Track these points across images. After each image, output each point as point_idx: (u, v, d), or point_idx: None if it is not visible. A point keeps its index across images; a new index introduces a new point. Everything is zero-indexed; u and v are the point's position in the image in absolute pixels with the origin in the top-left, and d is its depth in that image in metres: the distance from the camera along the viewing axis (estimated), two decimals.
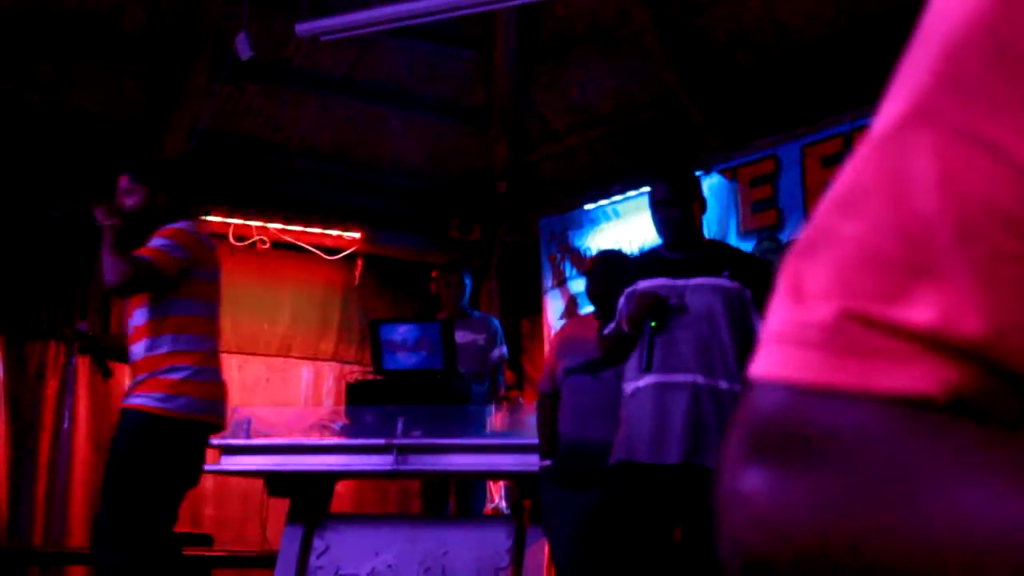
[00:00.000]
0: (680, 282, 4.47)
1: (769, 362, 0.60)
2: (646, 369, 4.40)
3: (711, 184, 8.47)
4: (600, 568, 5.07)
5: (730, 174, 8.34)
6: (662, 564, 4.41)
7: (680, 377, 4.38)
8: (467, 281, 7.40)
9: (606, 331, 4.67)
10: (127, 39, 8.54)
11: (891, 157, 0.59)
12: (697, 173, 8.44)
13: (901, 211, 0.57)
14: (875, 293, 0.57)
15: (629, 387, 4.55)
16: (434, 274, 7.51)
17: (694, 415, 4.34)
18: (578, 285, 9.00)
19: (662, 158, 8.79)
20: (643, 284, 4.54)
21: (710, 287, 4.45)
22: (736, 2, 8.23)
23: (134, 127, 8.86)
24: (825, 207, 0.62)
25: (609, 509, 4.67)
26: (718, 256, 4.59)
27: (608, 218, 9.12)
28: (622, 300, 4.64)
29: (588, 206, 9.32)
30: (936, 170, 0.57)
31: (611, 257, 5.59)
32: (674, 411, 4.36)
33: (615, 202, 8.95)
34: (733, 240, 8.20)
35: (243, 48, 7.46)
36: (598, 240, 9.02)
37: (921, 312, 0.56)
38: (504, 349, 7.24)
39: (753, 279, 4.48)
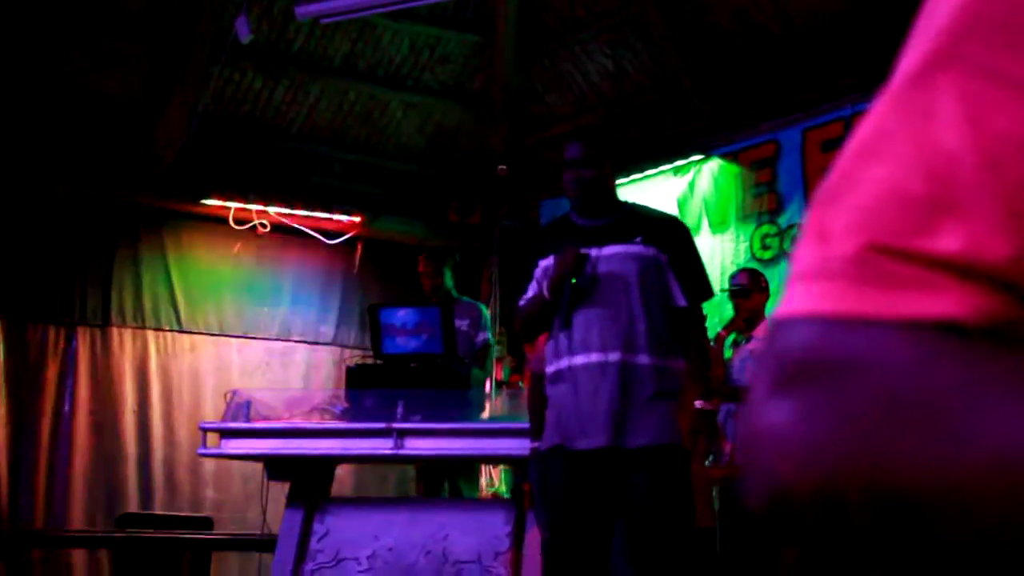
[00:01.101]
0: (592, 251, 4.24)
1: (794, 299, 0.60)
2: (565, 327, 4.25)
3: (712, 169, 8.46)
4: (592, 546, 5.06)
5: (731, 157, 8.33)
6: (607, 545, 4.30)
7: (598, 357, 4.20)
8: (447, 268, 7.40)
9: (522, 301, 4.46)
10: (127, 19, 8.51)
11: (915, 99, 0.59)
12: (698, 156, 8.48)
13: (925, 149, 0.57)
14: (899, 227, 0.57)
15: (551, 368, 4.40)
16: (423, 260, 7.50)
17: (616, 397, 4.17)
18: None
19: (660, 143, 8.78)
20: (551, 260, 4.31)
21: (623, 255, 4.23)
22: None
23: (134, 108, 8.84)
24: (847, 155, 0.62)
25: (545, 493, 4.63)
26: (631, 221, 4.34)
27: None
28: (537, 271, 4.42)
29: None
30: (960, 108, 0.57)
31: (540, 229, 5.40)
32: (597, 394, 4.19)
33: (616, 185, 8.92)
34: (733, 224, 8.20)
35: (243, 31, 7.45)
36: None
37: (946, 241, 0.55)
38: (488, 334, 7.25)
39: (668, 242, 4.29)
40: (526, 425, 5.70)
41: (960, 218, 0.56)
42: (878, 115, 0.61)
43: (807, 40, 7.99)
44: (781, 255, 7.81)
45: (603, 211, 4.37)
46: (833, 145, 7.60)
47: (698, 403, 4.26)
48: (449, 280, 7.41)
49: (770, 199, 8.02)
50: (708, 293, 4.38)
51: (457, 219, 9.96)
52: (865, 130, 0.61)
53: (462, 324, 7.12)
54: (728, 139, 8.36)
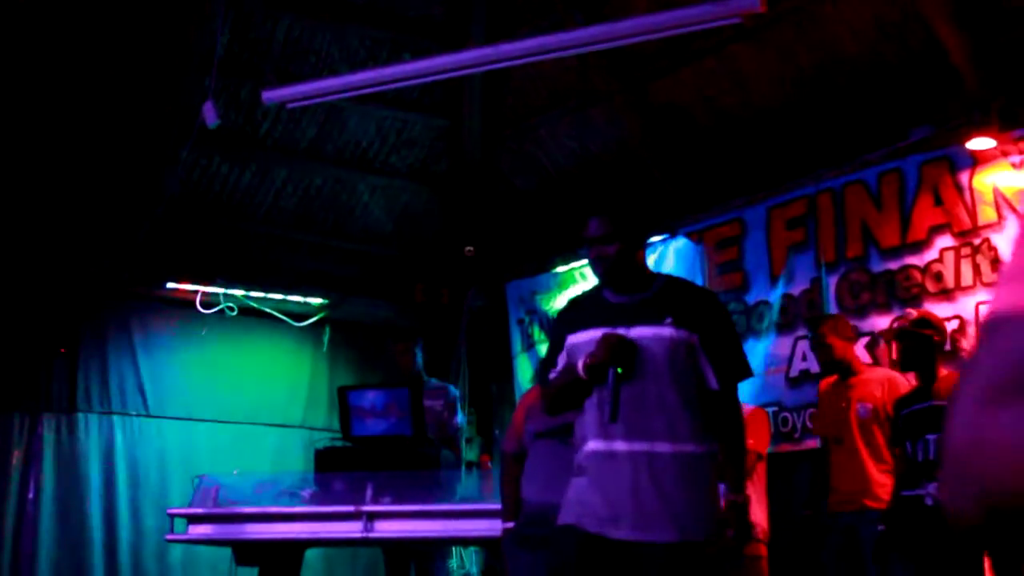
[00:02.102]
0: (620, 331, 3.99)
1: (1005, 298, 0.59)
2: (612, 421, 3.97)
3: (677, 247, 8.51)
4: None
5: (696, 236, 8.39)
6: None
7: (621, 446, 4.00)
8: (418, 349, 7.41)
9: (551, 375, 4.21)
10: (94, 102, 8.55)
11: None
12: (663, 236, 8.53)
13: None
14: None
15: (580, 450, 4.18)
16: (397, 344, 7.50)
17: (637, 489, 3.95)
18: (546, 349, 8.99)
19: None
20: (580, 335, 4.09)
21: (651, 338, 3.98)
22: (699, 66, 8.31)
23: (101, 192, 8.85)
24: None
25: (556, 570, 4.45)
26: (663, 298, 4.10)
27: (575, 281, 9.14)
28: (562, 354, 4.18)
29: (556, 269, 9.36)
30: None
31: (566, 303, 5.13)
32: (619, 484, 3.98)
33: (583, 265, 8.97)
34: None
35: (210, 116, 7.47)
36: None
37: None
38: (461, 417, 7.24)
39: (700, 321, 4.05)
40: (497, 506, 5.67)
41: None
42: None
43: (769, 119, 8.09)
44: (749, 333, 7.84)
45: (634, 286, 4.13)
46: (798, 223, 7.67)
47: (733, 495, 4.00)
48: (419, 362, 7.41)
49: (736, 277, 8.07)
50: (744, 372, 4.14)
51: (424, 300, 9.97)
52: None
53: (435, 405, 7.11)
54: (693, 218, 8.41)
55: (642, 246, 4.22)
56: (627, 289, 4.11)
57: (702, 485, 3.97)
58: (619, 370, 3.94)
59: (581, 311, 4.23)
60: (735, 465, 4.04)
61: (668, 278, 4.32)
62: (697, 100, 8.51)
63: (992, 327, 0.59)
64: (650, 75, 8.59)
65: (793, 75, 7.88)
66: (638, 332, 3.98)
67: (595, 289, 4.30)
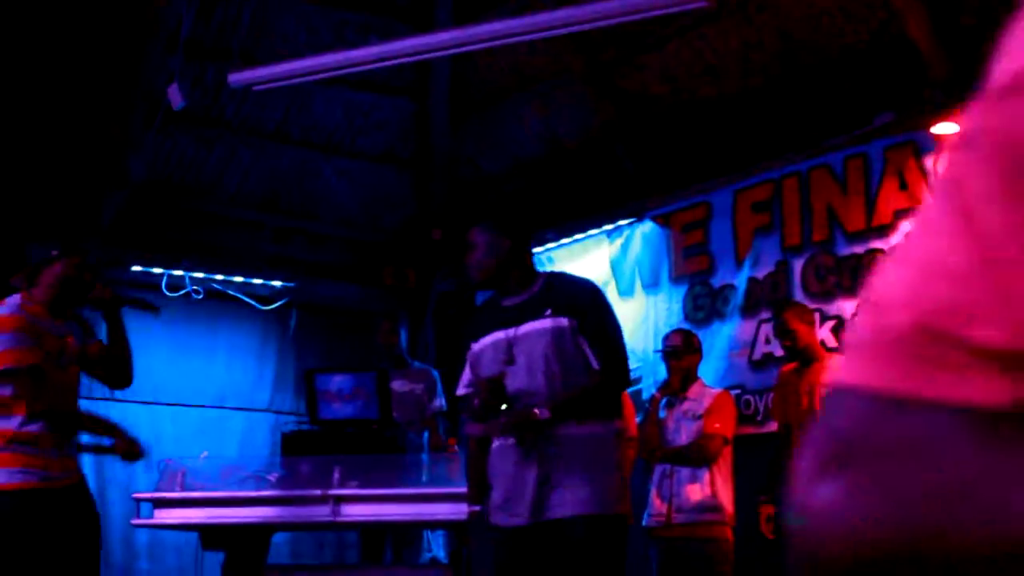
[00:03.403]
0: (511, 332, 4.38)
1: (848, 370, 0.61)
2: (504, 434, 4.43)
3: (644, 231, 8.54)
4: None
5: (662, 220, 8.41)
6: None
7: (508, 441, 4.38)
8: (402, 330, 7.42)
9: (460, 389, 4.63)
10: (61, 84, 8.49)
11: (963, 177, 0.61)
12: (630, 220, 8.55)
13: (970, 227, 0.59)
14: (949, 308, 0.58)
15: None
16: (384, 322, 7.50)
17: (538, 472, 4.28)
18: None
19: (594, 207, 8.85)
20: (481, 342, 4.49)
21: (537, 332, 4.34)
22: (667, 50, 8.33)
23: (66, 174, 8.79)
24: (907, 229, 0.64)
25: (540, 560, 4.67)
26: (544, 295, 4.44)
27: (541, 265, 9.15)
28: (467, 365, 4.59)
29: None
30: (1005, 190, 0.58)
31: (476, 309, 5.52)
32: (521, 472, 4.33)
33: (549, 249, 8.98)
34: (665, 286, 8.26)
35: (175, 98, 7.44)
36: None
37: (992, 331, 0.57)
38: (443, 400, 7.25)
39: (578, 309, 4.37)
40: (463, 489, 5.69)
41: (1005, 306, 0.57)
42: (936, 186, 0.63)
43: (737, 103, 8.12)
44: (714, 316, 7.88)
45: (521, 288, 4.47)
46: (764, 207, 7.70)
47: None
48: (402, 343, 7.42)
49: (702, 260, 8.09)
50: (619, 354, 4.44)
51: (392, 283, 9.96)
52: (924, 203, 0.63)
53: (416, 388, 7.11)
54: (660, 202, 8.43)
55: (521, 249, 4.54)
56: (516, 291, 4.46)
57: (598, 460, 4.25)
58: (503, 407, 4.34)
59: (481, 318, 4.62)
60: (582, 397, 4.31)
61: (551, 275, 4.74)
62: (664, 84, 8.52)
63: (826, 399, 0.62)
64: (617, 59, 8.59)
65: (759, 60, 7.91)
66: (525, 329, 4.34)
67: (493, 296, 4.66)
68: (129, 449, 5.05)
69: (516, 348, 4.37)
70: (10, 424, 4.65)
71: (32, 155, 8.66)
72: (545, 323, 4.34)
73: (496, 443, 4.50)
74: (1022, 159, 0.58)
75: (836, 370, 0.62)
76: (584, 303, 4.42)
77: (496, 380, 4.36)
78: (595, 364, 4.33)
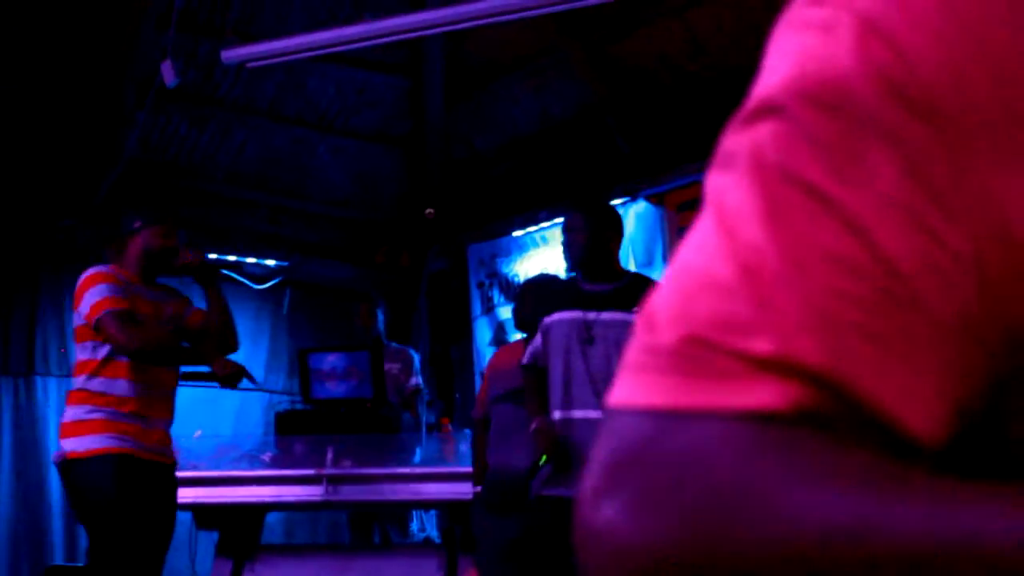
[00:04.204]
0: (592, 315, 4.56)
1: (621, 391, 0.61)
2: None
3: (638, 211, 8.52)
4: None
5: (656, 200, 8.40)
6: None
7: (580, 413, 4.51)
8: (380, 312, 7.43)
9: (524, 360, 4.81)
10: (52, 60, 8.45)
11: (727, 190, 0.63)
12: (623, 199, 8.54)
13: (732, 242, 0.61)
14: (716, 320, 0.59)
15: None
16: (360, 306, 7.53)
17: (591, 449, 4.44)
18: (506, 312, 9.01)
19: (587, 186, 8.84)
20: (556, 316, 4.65)
21: (620, 322, 4.52)
22: (661, 28, 8.30)
23: (59, 152, 8.76)
24: (679, 246, 0.65)
25: (532, 540, 4.77)
26: (633, 289, 4.60)
27: (536, 244, 9.14)
28: (538, 334, 4.75)
29: (516, 232, 9.34)
30: (765, 206, 0.60)
31: (538, 283, 5.63)
32: (578, 447, 4.46)
33: (543, 228, 8.97)
34: (659, 265, 8.26)
35: (168, 75, 7.40)
36: (526, 266, 9.04)
37: (760, 342, 0.58)
38: (419, 379, 7.27)
39: None
40: (456, 469, 5.71)
41: (771, 317, 0.58)
42: (701, 205, 0.65)
43: (731, 81, 8.09)
44: None
45: (607, 278, 4.68)
46: None
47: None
48: (380, 325, 7.42)
49: None
50: None
51: (385, 262, 9.94)
52: (694, 222, 0.65)
53: (393, 368, 7.11)
54: (654, 181, 8.42)
55: (615, 243, 4.77)
56: (601, 280, 4.67)
57: None
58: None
59: (558, 297, 4.81)
60: None
61: (639, 274, 5.04)
62: (658, 62, 8.49)
63: (602, 422, 0.62)
64: (610, 36, 8.56)
65: (754, 37, 7.88)
66: (608, 317, 4.54)
67: (572, 279, 4.86)
68: (228, 373, 4.97)
69: (595, 331, 4.55)
70: (106, 389, 4.64)
71: (23, 133, 8.63)
72: (632, 317, 4.46)
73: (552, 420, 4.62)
74: (772, 178, 0.61)
75: (611, 392, 0.62)
76: None
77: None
78: None
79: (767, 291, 0.59)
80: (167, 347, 4.77)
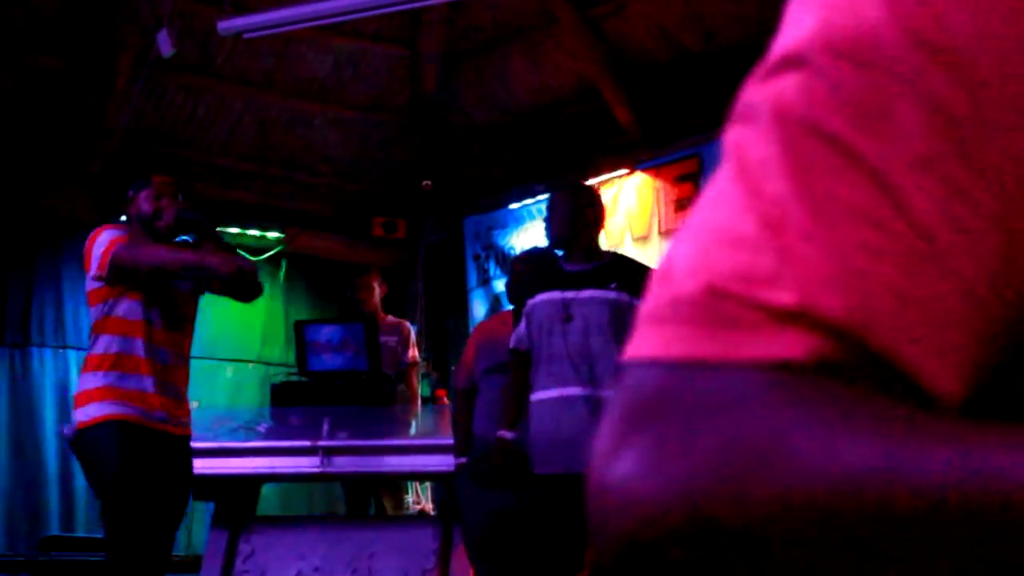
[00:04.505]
0: (570, 295, 4.71)
1: (639, 343, 0.60)
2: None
3: (635, 183, 8.52)
4: (512, 565, 5.14)
5: (653, 172, 8.39)
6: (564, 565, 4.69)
7: (557, 392, 4.66)
8: (376, 284, 7.44)
9: (511, 344, 4.95)
10: (48, 33, 8.42)
11: (742, 145, 0.62)
12: (621, 172, 8.54)
13: (753, 195, 0.59)
14: (737, 272, 0.58)
15: (531, 397, 4.82)
16: (357, 280, 7.54)
17: (573, 427, 4.57)
18: (502, 284, 9.02)
19: (584, 158, 8.83)
20: (537, 298, 4.80)
21: (597, 300, 4.68)
22: (659, 2, 8.27)
23: (56, 122, 8.75)
24: (697, 200, 0.64)
25: (520, 513, 4.93)
26: (610, 268, 4.78)
27: (532, 217, 9.14)
28: (523, 318, 4.89)
29: (512, 205, 9.34)
30: (790, 161, 0.59)
31: (524, 262, 5.65)
32: (558, 424, 4.61)
33: (539, 201, 8.97)
34: (656, 238, 8.27)
35: (164, 45, 7.39)
36: (522, 239, 9.04)
37: (783, 294, 0.57)
38: (416, 352, 7.28)
39: (639, 288, 4.56)
40: (452, 441, 5.72)
41: (794, 269, 0.57)
42: (722, 159, 0.63)
43: (729, 54, 8.08)
44: None
45: (586, 258, 4.81)
46: None
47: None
48: (377, 296, 7.43)
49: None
50: None
51: (382, 234, 9.94)
52: (713, 176, 0.63)
53: (390, 341, 7.13)
54: (651, 154, 8.42)
55: (595, 225, 4.90)
56: (581, 259, 4.82)
57: None
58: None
59: (540, 276, 4.97)
60: None
61: (617, 254, 5.16)
62: (655, 36, 8.48)
63: (622, 375, 0.61)
64: (611, 9, 8.53)
65: (752, 11, 7.86)
66: (586, 295, 4.69)
67: (554, 258, 5.00)
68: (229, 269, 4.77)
69: (573, 309, 4.69)
70: (109, 347, 4.57)
71: (17, 105, 8.61)
72: (609, 294, 4.67)
73: (533, 399, 4.77)
74: (797, 131, 0.60)
75: (627, 348, 0.61)
76: (646, 285, 4.71)
77: (511, 447, 4.81)
78: None
79: (790, 244, 0.58)
80: (182, 259, 4.72)
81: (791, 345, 0.57)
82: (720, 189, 0.62)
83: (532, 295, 4.86)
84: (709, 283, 0.59)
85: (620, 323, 4.64)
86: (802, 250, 0.58)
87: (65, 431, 4.77)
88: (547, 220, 4.95)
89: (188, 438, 4.83)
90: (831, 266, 0.57)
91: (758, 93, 0.64)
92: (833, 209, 0.58)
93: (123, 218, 5.08)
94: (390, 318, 7.49)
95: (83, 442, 4.56)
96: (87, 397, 4.57)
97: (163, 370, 4.65)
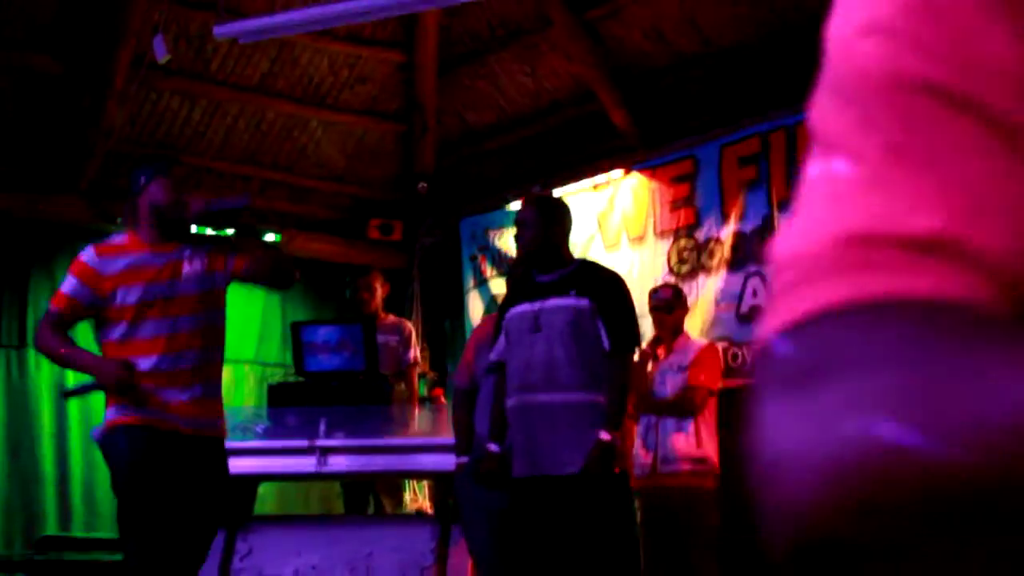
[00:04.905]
0: (537, 305, 4.93)
1: (777, 315, 0.57)
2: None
3: (630, 184, 8.55)
4: (513, 563, 5.15)
5: (649, 173, 8.42)
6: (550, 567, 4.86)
7: (528, 397, 4.87)
8: (379, 285, 7.47)
9: (492, 357, 5.15)
10: (44, 39, 8.44)
11: (837, 118, 0.61)
12: (616, 172, 8.57)
13: (866, 154, 0.58)
14: (876, 213, 0.56)
15: (506, 405, 5.02)
16: (360, 281, 7.56)
17: (544, 431, 4.81)
18: (499, 285, 9.03)
19: (579, 160, 8.86)
20: (511, 312, 5.04)
21: (560, 308, 4.88)
22: (655, 4, 8.30)
23: (50, 128, 8.76)
24: (810, 155, 0.62)
25: (521, 511, 4.99)
26: (572, 276, 4.97)
27: None
28: (501, 333, 5.09)
29: (508, 206, 9.36)
30: (891, 115, 0.58)
31: (514, 271, 5.87)
32: (530, 430, 4.84)
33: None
34: (651, 239, 8.29)
35: (160, 50, 7.41)
36: None
37: (922, 225, 0.55)
38: (416, 351, 7.31)
39: (597, 292, 4.90)
40: (449, 440, 5.73)
41: (927, 203, 0.56)
42: (813, 133, 0.63)
43: (723, 57, 8.10)
44: (698, 269, 7.90)
45: (554, 267, 5.01)
46: (750, 160, 7.71)
47: (603, 435, 4.72)
48: (379, 298, 7.46)
49: (688, 214, 8.11)
50: (633, 341, 4.98)
51: (378, 236, 9.96)
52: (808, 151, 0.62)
53: (391, 340, 7.15)
54: (646, 155, 8.44)
55: (561, 235, 5.08)
56: (549, 269, 5.01)
57: (582, 426, 4.76)
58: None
59: (514, 292, 5.22)
60: (614, 413, 4.80)
61: (584, 262, 5.33)
62: (650, 37, 8.49)
63: (770, 337, 0.57)
64: (606, 12, 8.56)
65: (746, 12, 7.89)
66: (550, 303, 4.90)
67: (528, 271, 5.17)
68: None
69: (541, 319, 4.89)
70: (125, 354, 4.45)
71: (12, 108, 8.62)
72: (568, 301, 4.88)
73: (508, 405, 4.97)
74: (894, 88, 0.58)
75: (769, 314, 0.58)
76: (605, 289, 4.95)
77: (496, 456, 4.98)
78: (606, 344, 4.81)
79: (917, 188, 0.56)
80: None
81: (937, 282, 0.54)
82: (822, 161, 0.61)
83: (508, 308, 5.10)
84: (843, 233, 0.57)
85: (578, 328, 4.84)
86: (931, 189, 0.56)
87: (93, 434, 4.68)
88: (517, 236, 5.14)
89: (217, 440, 4.62)
90: (962, 198, 0.56)
91: (844, 63, 0.62)
92: (950, 151, 0.57)
93: (120, 216, 4.93)
94: (391, 318, 7.51)
95: (103, 445, 4.50)
96: (109, 400, 4.48)
97: (180, 375, 4.48)
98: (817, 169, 0.61)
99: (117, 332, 4.49)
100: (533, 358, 4.87)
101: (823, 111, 0.63)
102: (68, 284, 4.55)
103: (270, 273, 4.76)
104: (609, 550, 4.78)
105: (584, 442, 4.71)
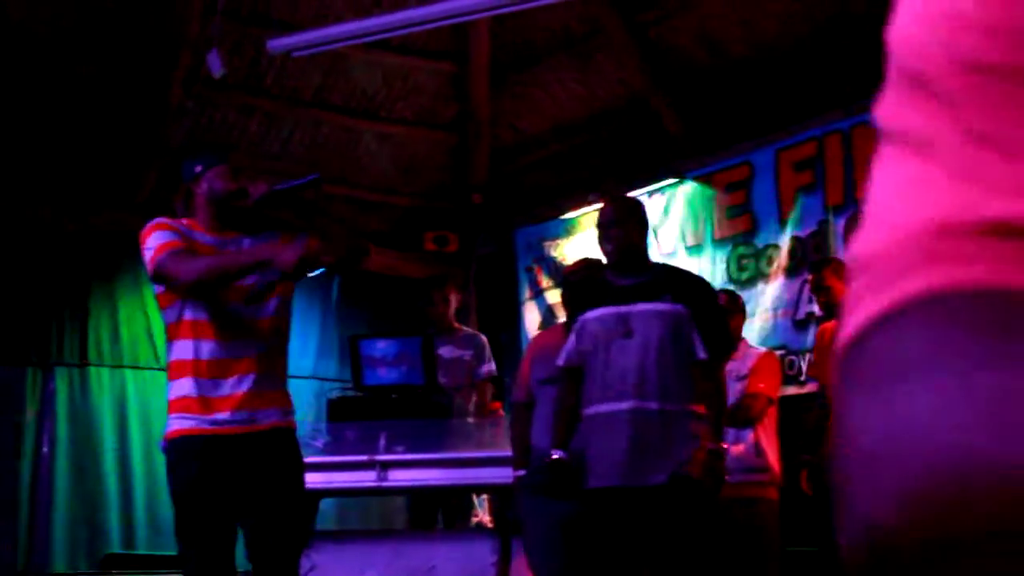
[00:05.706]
0: (624, 309, 4.73)
1: (866, 304, 0.56)
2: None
3: (685, 192, 8.49)
4: None
5: (704, 180, 8.37)
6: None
7: (616, 406, 4.66)
8: (453, 296, 7.37)
9: (559, 361, 4.95)
10: (104, 54, 8.51)
11: (908, 111, 0.59)
12: (671, 179, 8.52)
13: (933, 147, 0.57)
14: (958, 202, 0.55)
15: (584, 412, 4.82)
16: (434, 291, 7.39)
17: (633, 440, 4.60)
18: (553, 296, 9.00)
19: (634, 168, 8.82)
20: (589, 314, 4.82)
21: (653, 313, 4.70)
22: (707, 9, 8.25)
23: (111, 142, 8.83)
24: (881, 151, 0.61)
25: (581, 523, 4.89)
26: (661, 280, 4.80)
27: (583, 227, 9.12)
28: (572, 334, 4.91)
29: (564, 216, 9.33)
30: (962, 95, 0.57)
31: (574, 277, 5.63)
32: (616, 438, 4.62)
33: (589, 211, 8.95)
34: (709, 246, 8.23)
35: (215, 65, 7.45)
36: (574, 250, 9.03)
37: (1009, 207, 0.54)
38: (492, 365, 7.16)
39: (691, 299, 4.75)
40: (508, 453, 5.71)
41: (1008, 176, 0.54)
42: (883, 130, 0.61)
43: (778, 61, 8.04)
44: (758, 276, 7.84)
45: (636, 270, 4.82)
46: (806, 165, 7.64)
47: (709, 445, 4.61)
48: (452, 309, 7.34)
49: (745, 220, 8.05)
50: (728, 348, 4.94)
51: (434, 248, 9.96)
52: (894, 122, 0.61)
53: (465, 354, 7.07)
54: (701, 162, 8.39)
55: (644, 237, 4.94)
56: (630, 273, 4.82)
57: (684, 436, 4.62)
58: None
59: (590, 292, 4.99)
60: (715, 423, 4.69)
61: (666, 265, 5.29)
62: (703, 42, 8.45)
63: (850, 339, 0.57)
64: (658, 17, 8.52)
65: (801, 15, 7.82)
66: (639, 308, 4.72)
67: (602, 273, 5.04)
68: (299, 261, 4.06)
69: (632, 324, 4.71)
70: (177, 354, 4.18)
71: (72, 126, 8.70)
72: (663, 306, 4.70)
73: (589, 412, 4.78)
74: (964, 72, 0.57)
75: (848, 314, 0.57)
76: (698, 295, 4.82)
77: (561, 465, 4.82)
78: (701, 353, 4.67)
79: (999, 173, 0.55)
80: (233, 265, 4.17)
81: (997, 270, 0.53)
82: (896, 154, 0.60)
83: (583, 311, 4.89)
84: (926, 224, 0.56)
85: (677, 335, 4.67)
86: (1007, 171, 0.55)
87: (159, 445, 4.49)
88: (603, 237, 4.90)
89: (278, 432, 4.27)
90: None
91: (911, 55, 0.61)
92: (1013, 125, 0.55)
93: (178, 205, 4.69)
94: (465, 330, 7.40)
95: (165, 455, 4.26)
96: (168, 412, 4.25)
97: (237, 364, 4.19)
98: (891, 163, 0.60)
99: (190, 310, 4.21)
100: (621, 364, 4.67)
101: (893, 105, 0.61)
102: (156, 237, 4.20)
103: (345, 251, 4.38)
104: (686, 565, 4.67)
105: (673, 453, 4.57)
